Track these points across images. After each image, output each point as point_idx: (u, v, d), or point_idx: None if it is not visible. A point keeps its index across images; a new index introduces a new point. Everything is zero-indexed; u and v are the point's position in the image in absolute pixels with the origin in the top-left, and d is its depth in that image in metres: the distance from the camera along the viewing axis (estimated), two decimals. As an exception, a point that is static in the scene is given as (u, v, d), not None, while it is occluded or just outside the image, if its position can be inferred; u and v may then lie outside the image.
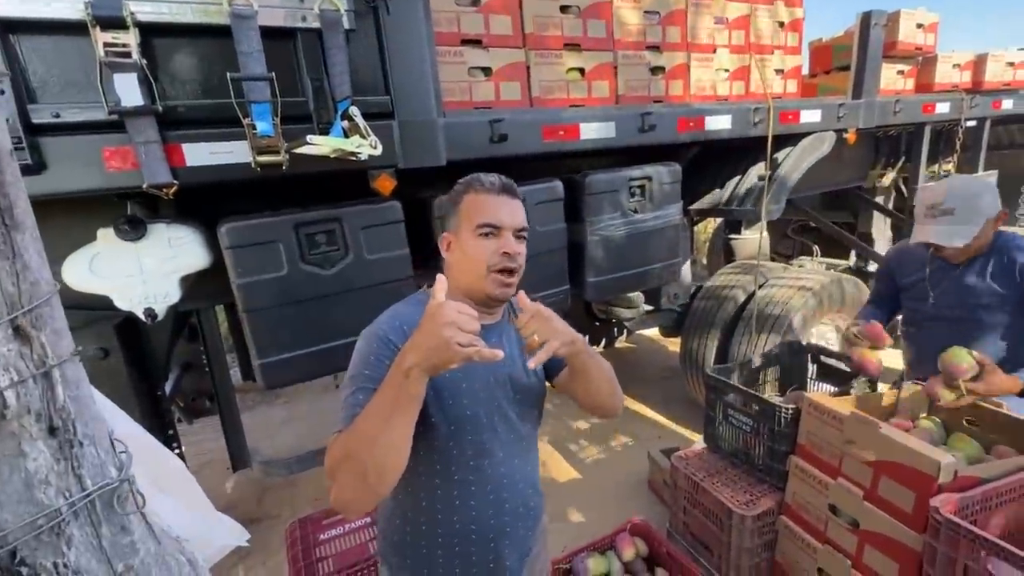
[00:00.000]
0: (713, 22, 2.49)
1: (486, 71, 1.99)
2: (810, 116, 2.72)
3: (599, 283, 2.29)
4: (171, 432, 2.23)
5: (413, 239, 1.86)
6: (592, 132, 2.11)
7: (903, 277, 1.82)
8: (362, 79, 1.61)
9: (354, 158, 1.53)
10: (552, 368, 1.06)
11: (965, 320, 1.65)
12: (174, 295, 1.61)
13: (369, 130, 1.53)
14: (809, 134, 2.78)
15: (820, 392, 2.17)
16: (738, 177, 2.87)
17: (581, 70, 2.18)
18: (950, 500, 1.23)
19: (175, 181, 1.39)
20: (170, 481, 0.85)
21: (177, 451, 2.24)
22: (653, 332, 4.16)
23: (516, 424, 1.01)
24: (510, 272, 0.93)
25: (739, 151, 2.86)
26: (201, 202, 1.80)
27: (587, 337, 3.78)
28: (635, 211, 2.31)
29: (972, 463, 1.38)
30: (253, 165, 1.43)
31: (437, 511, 0.94)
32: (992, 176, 3.69)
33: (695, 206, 3.02)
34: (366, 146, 1.52)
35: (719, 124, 2.46)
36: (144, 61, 1.30)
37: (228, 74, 1.33)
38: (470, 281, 0.93)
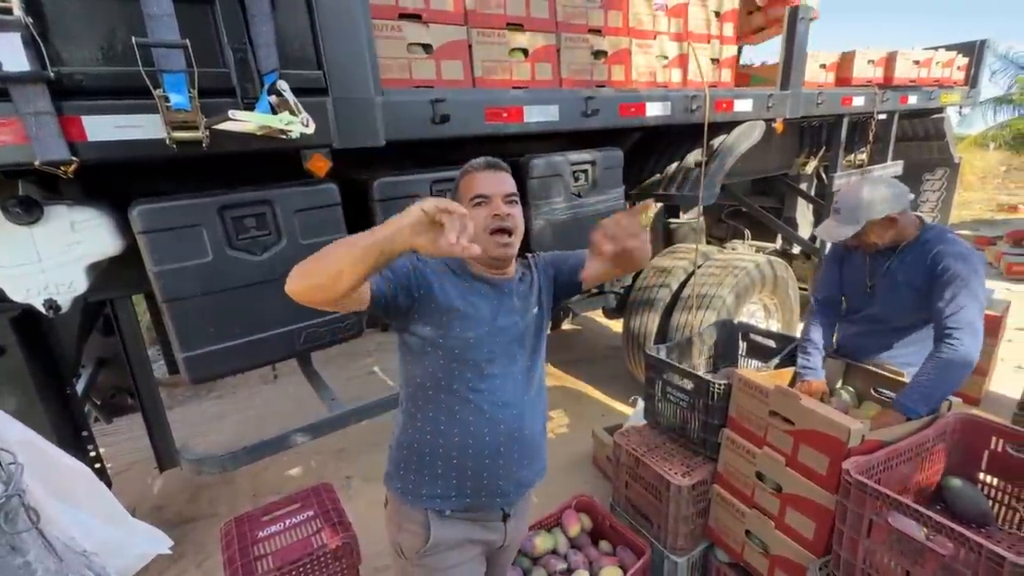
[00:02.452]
0: (653, 8, 2.52)
1: (426, 48, 1.91)
2: (743, 105, 2.84)
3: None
4: (85, 433, 2.05)
5: (352, 223, 1.79)
6: (536, 115, 2.10)
7: (848, 267, 1.90)
8: (292, 51, 1.51)
9: (284, 136, 1.43)
10: (574, 273, 1.20)
11: (892, 319, 1.77)
12: (80, 285, 1.46)
13: (300, 107, 1.44)
14: (742, 122, 2.91)
15: (749, 367, 2.31)
16: (676, 163, 2.97)
17: (525, 51, 2.15)
18: (858, 462, 1.36)
19: (74, 158, 1.24)
20: (76, 491, 0.77)
21: (93, 453, 2.06)
22: (597, 313, 4.26)
23: (517, 358, 1.13)
24: (504, 231, 1.06)
25: (678, 137, 2.95)
26: (113, 182, 1.64)
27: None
28: (578, 195, 2.33)
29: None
30: (168, 142, 1.30)
31: (440, 422, 1.08)
32: (898, 166, 4.03)
33: (636, 191, 3.10)
34: (297, 123, 1.42)
35: (659, 110, 2.51)
36: (30, 19, 1.14)
37: (134, 39, 1.20)
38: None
